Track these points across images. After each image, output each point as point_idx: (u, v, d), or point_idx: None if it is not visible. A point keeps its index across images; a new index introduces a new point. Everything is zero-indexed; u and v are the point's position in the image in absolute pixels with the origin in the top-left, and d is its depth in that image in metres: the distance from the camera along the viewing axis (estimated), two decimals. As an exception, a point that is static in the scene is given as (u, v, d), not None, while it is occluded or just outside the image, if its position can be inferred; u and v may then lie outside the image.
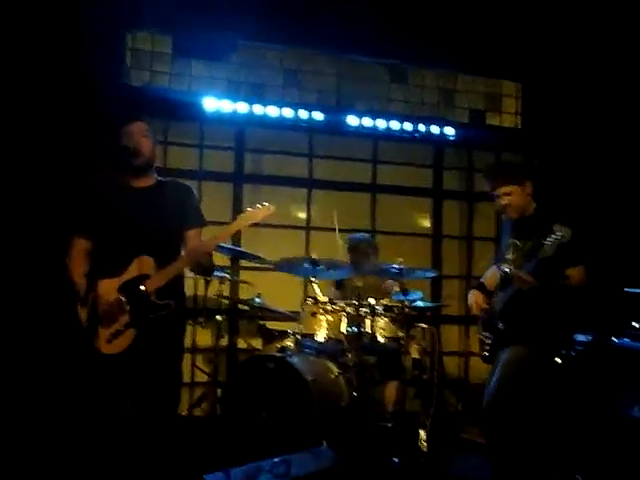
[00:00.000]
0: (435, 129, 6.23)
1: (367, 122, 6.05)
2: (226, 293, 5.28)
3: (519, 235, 3.56)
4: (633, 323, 4.10)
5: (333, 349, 4.61)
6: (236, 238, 5.57)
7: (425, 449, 4.43)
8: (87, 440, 3.15)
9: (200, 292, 5.06)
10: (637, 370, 3.98)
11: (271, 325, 5.09)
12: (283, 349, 4.52)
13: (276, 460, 3.67)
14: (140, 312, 3.09)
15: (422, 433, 4.50)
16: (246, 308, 5.38)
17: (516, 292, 3.40)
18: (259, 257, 5.03)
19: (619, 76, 5.57)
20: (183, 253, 3.25)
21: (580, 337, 4.42)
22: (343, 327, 4.57)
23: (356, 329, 4.47)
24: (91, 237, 3.24)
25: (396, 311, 4.66)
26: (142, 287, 3.08)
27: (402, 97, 6.37)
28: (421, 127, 6.19)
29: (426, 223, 6.57)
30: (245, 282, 5.48)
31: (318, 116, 5.94)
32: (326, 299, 4.67)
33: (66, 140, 4.86)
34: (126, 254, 3.12)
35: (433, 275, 5.57)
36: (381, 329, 4.61)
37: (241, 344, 5.67)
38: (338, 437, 4.08)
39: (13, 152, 4.80)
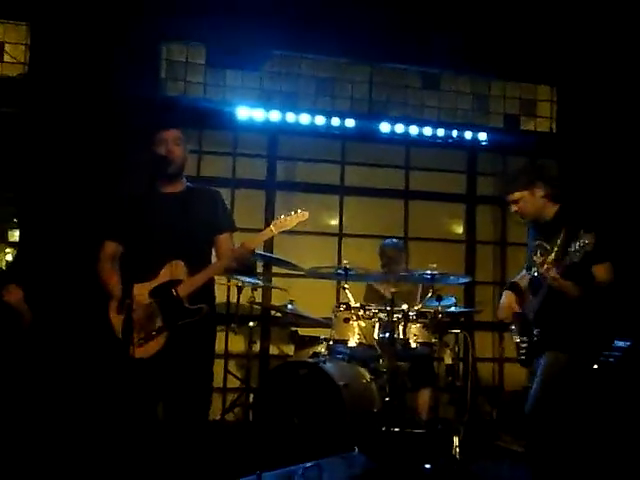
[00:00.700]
0: (468, 134, 6.22)
1: (399, 128, 6.07)
2: (258, 299, 5.31)
3: (544, 237, 3.49)
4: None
5: (365, 355, 4.61)
6: (269, 244, 5.60)
7: (458, 456, 4.38)
8: (118, 443, 3.18)
9: (233, 298, 5.11)
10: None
11: (303, 331, 5.11)
12: (315, 355, 4.53)
13: (308, 465, 3.68)
14: (172, 317, 3.11)
15: (456, 440, 4.45)
16: (278, 314, 5.41)
17: (548, 296, 3.35)
18: (292, 263, 5.06)
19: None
20: (215, 258, 3.29)
21: (619, 343, 4.35)
22: (375, 333, 4.56)
23: (389, 335, 4.46)
24: (122, 241, 3.29)
25: (429, 317, 4.64)
26: (174, 292, 3.12)
27: (435, 103, 6.37)
28: (454, 133, 6.18)
29: (459, 229, 6.54)
30: (278, 288, 5.51)
31: (350, 123, 5.97)
32: (358, 305, 4.67)
33: (100, 147, 4.98)
34: (157, 259, 3.15)
35: (466, 281, 5.52)
36: (414, 335, 4.59)
37: (273, 350, 5.70)
38: (370, 443, 4.07)
39: (51, 159, 4.95)
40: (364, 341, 4.56)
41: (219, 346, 3.81)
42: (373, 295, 5.25)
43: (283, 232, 3.26)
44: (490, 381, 6.22)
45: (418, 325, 4.61)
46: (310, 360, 4.43)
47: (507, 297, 3.68)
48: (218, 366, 4.19)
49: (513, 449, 4.55)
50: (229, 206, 3.70)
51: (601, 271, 3.31)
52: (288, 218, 3.23)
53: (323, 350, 4.58)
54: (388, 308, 4.50)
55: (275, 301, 5.56)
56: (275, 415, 4.31)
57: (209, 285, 3.28)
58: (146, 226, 3.21)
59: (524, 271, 3.72)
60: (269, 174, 6.05)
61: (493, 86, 6.49)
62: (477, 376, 5.40)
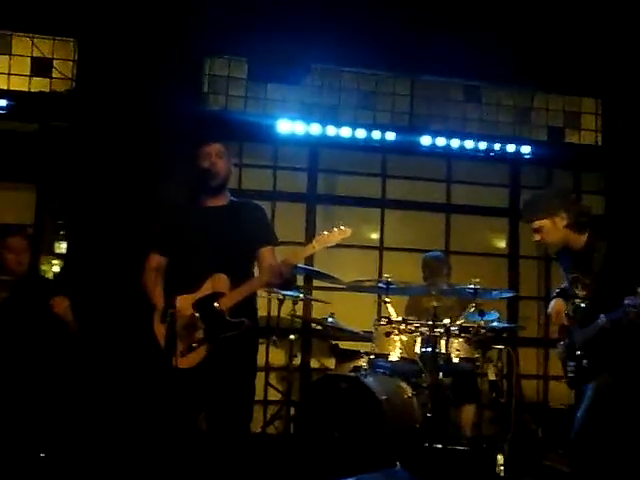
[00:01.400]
0: (511, 147, 6.14)
1: (441, 142, 6.03)
2: (299, 313, 5.31)
3: (578, 268, 3.30)
4: None
5: (407, 369, 4.56)
6: (309, 258, 5.58)
7: (502, 475, 4.29)
8: (160, 451, 3.20)
9: (273, 312, 5.11)
10: None
11: (344, 345, 5.08)
12: (356, 369, 4.50)
13: (349, 480, 3.63)
14: (213, 329, 3.12)
15: (500, 458, 4.36)
16: (319, 328, 5.39)
17: (600, 332, 3.17)
18: (333, 277, 5.04)
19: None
20: (258, 271, 3.29)
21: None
22: (417, 347, 4.51)
23: (430, 350, 4.40)
24: (167, 254, 3.33)
25: (472, 332, 4.57)
26: (216, 305, 3.13)
27: (477, 116, 6.32)
28: (496, 146, 6.12)
29: (502, 243, 6.45)
30: (319, 301, 5.49)
31: (391, 136, 5.95)
32: (400, 319, 4.63)
33: (145, 160, 5.06)
34: (201, 271, 3.17)
35: (510, 295, 5.44)
36: (456, 350, 4.52)
37: (314, 363, 5.68)
38: (412, 459, 4.01)
39: (98, 172, 5.05)
40: (405, 355, 4.51)
41: (260, 359, 3.80)
42: (415, 308, 5.20)
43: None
44: (534, 398, 6.09)
45: (460, 340, 4.54)
46: (351, 374, 4.40)
47: (557, 303, 3.56)
48: (259, 379, 4.16)
49: (559, 468, 4.43)
50: (270, 219, 3.71)
51: None
52: (331, 234, 3.18)
53: (364, 364, 4.54)
54: (430, 322, 4.45)
55: (316, 314, 5.55)
56: (316, 429, 4.28)
57: (251, 299, 3.28)
58: (190, 239, 3.25)
59: (558, 298, 3.61)
60: (310, 187, 6.06)
61: (536, 98, 6.42)
62: (521, 393, 5.29)
